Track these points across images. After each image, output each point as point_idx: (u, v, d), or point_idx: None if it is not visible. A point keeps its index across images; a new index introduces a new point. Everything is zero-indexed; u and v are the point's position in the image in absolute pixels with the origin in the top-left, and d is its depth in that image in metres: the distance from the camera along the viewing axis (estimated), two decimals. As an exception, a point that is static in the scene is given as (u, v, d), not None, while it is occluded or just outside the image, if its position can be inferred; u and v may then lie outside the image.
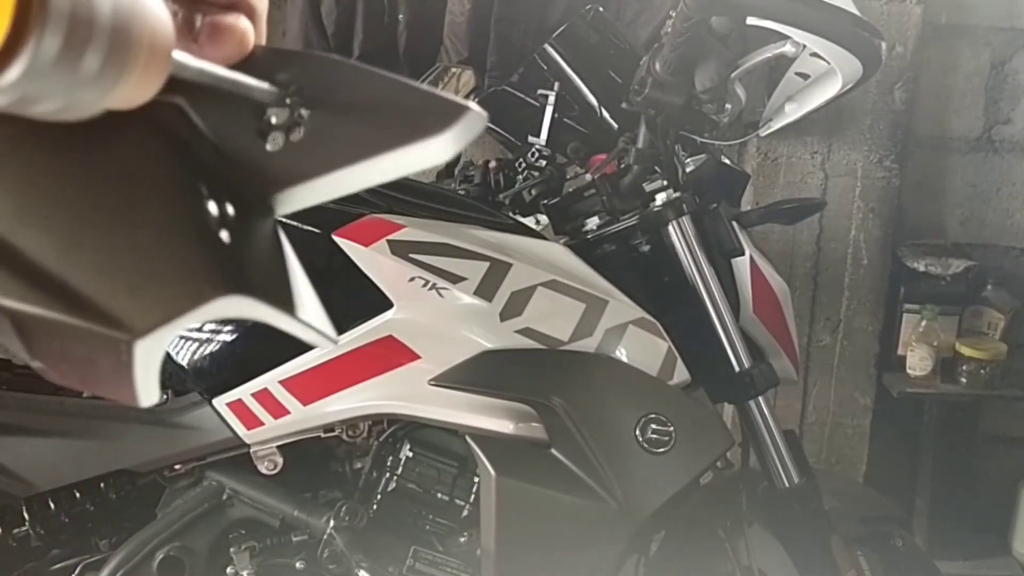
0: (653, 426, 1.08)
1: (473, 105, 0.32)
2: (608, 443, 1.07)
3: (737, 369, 1.19)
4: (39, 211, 0.31)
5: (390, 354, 1.10)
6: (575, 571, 1.10)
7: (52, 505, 1.17)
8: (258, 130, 0.34)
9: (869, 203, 2.15)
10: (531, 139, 1.31)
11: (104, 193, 0.32)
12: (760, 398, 1.21)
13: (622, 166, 1.22)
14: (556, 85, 1.31)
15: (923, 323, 2.12)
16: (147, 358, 0.31)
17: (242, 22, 0.35)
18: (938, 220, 2.31)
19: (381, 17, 2.02)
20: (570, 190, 1.28)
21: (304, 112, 0.34)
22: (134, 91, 0.29)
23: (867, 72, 1.09)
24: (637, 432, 1.08)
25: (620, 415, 1.09)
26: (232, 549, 1.17)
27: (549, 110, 1.31)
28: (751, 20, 1.06)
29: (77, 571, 1.19)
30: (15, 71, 0.25)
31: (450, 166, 1.86)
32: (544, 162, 1.29)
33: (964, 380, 2.12)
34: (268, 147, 0.34)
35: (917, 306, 2.14)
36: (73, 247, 0.31)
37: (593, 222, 1.23)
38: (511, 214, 1.28)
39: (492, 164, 1.33)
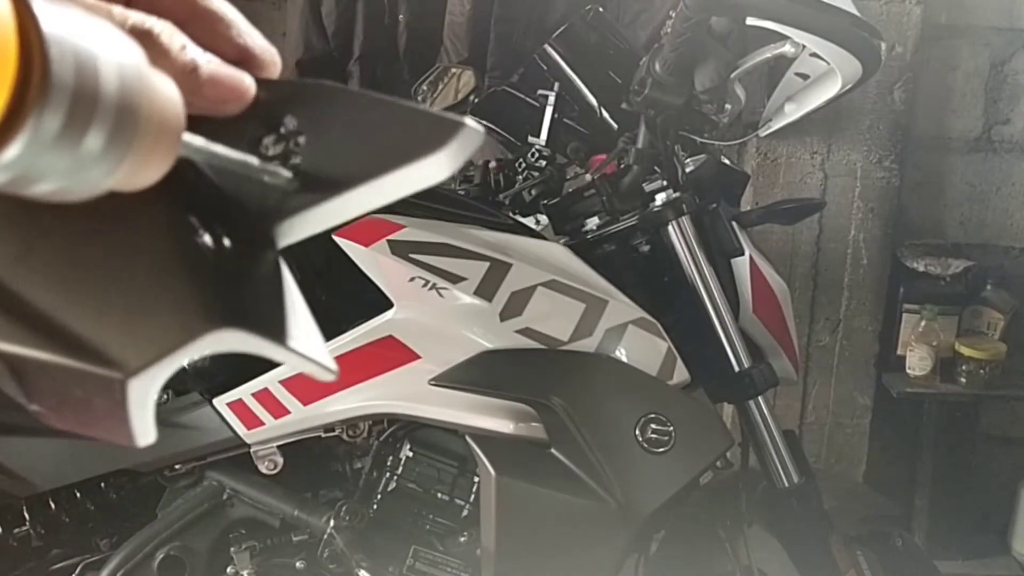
0: (653, 426, 1.08)
1: (468, 120, 0.32)
2: (608, 443, 1.07)
3: (737, 369, 1.19)
4: (35, 253, 0.30)
5: (390, 354, 1.10)
6: (575, 571, 1.10)
7: (53, 505, 1.18)
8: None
9: (869, 203, 2.15)
10: (531, 139, 1.31)
11: (94, 230, 0.31)
12: (760, 398, 1.21)
13: (622, 166, 1.22)
14: (556, 85, 1.31)
15: (923, 323, 2.12)
16: (141, 397, 0.30)
17: (246, 80, 0.33)
18: (937, 220, 2.32)
19: (381, 18, 2.02)
20: (570, 190, 1.28)
21: (300, 140, 0.34)
22: (139, 173, 0.27)
23: (867, 72, 1.09)
24: (637, 432, 1.08)
25: (620, 415, 1.09)
26: (232, 549, 1.17)
27: (549, 110, 1.31)
28: (751, 20, 1.06)
29: (78, 571, 1.19)
30: (14, 149, 0.24)
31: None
32: (544, 162, 1.29)
33: (963, 380, 2.12)
34: (265, 178, 0.33)
35: (916, 306, 2.14)
36: (66, 286, 0.31)
37: (593, 222, 1.23)
38: (511, 214, 1.28)
39: (492, 164, 1.33)
